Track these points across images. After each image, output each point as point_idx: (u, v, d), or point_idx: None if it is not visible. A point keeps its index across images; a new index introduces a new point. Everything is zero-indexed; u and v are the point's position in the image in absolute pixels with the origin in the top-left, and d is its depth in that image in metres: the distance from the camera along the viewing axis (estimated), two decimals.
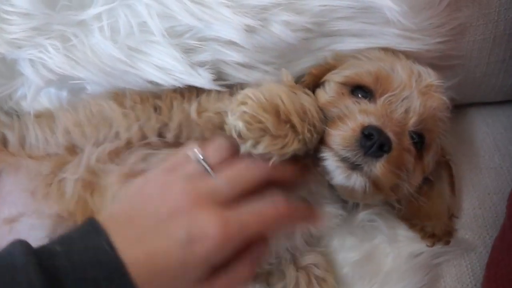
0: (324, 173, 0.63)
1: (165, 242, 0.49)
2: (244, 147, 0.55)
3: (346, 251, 0.71)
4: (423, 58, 0.73)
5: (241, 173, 0.55)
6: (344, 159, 0.59)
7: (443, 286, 0.72)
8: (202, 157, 0.55)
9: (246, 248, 0.54)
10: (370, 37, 0.70)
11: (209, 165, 0.54)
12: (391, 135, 0.59)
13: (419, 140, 0.65)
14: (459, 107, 0.88)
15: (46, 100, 0.71)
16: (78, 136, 0.66)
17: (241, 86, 0.69)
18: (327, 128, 0.61)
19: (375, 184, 0.61)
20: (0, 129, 0.69)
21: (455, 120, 0.85)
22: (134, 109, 0.66)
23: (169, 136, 0.66)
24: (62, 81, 0.68)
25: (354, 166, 0.59)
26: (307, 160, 0.65)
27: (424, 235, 0.73)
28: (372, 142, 0.57)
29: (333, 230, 0.71)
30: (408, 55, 0.71)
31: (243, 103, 0.56)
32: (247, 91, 0.58)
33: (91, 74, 0.66)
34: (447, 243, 0.73)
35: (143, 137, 0.66)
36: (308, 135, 0.58)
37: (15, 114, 0.71)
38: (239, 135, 0.55)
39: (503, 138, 0.85)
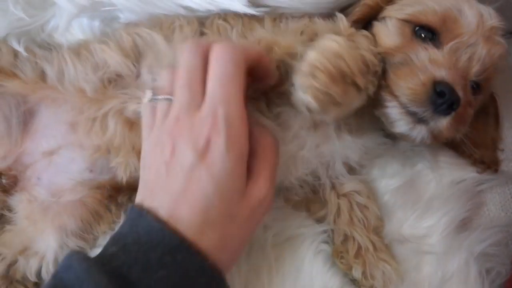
0: (383, 116, 0.61)
1: (186, 179, 0.48)
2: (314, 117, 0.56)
3: (388, 178, 0.70)
4: None
5: (187, 70, 0.52)
6: (411, 113, 0.58)
7: (487, 213, 0.71)
8: (152, 94, 0.54)
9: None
10: None
11: (163, 94, 0.53)
12: (461, 93, 0.57)
13: (477, 87, 0.64)
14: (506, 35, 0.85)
15: (78, 31, 0.69)
16: (119, 68, 0.64)
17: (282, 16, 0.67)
18: (392, 75, 0.59)
19: (435, 136, 0.60)
20: (38, 63, 0.67)
21: None
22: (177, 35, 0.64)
23: None
24: (94, 8, 0.66)
25: (420, 120, 0.58)
26: None
27: (474, 162, 0.72)
28: (444, 100, 0.56)
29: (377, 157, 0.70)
30: None
31: (312, 75, 0.53)
32: (312, 58, 0.53)
33: None
34: (496, 171, 0.72)
35: None
36: (370, 86, 0.56)
37: (49, 47, 0.70)
38: (309, 110, 0.53)
39: None
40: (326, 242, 0.68)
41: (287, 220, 0.67)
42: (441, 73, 0.57)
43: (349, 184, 0.68)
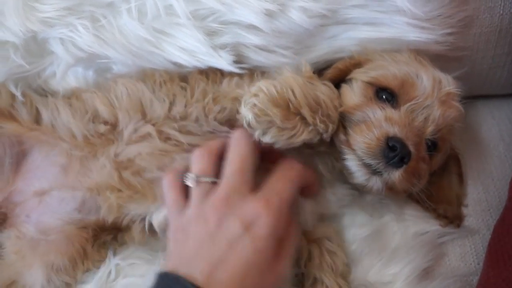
0: (344, 169, 0.67)
1: (229, 248, 0.54)
2: (255, 135, 0.61)
3: (356, 227, 0.75)
4: (432, 49, 0.76)
5: (241, 159, 0.60)
6: (366, 165, 0.63)
7: (448, 264, 0.75)
8: (197, 177, 0.60)
9: None
10: (382, 25, 0.74)
11: (206, 176, 0.60)
12: (412, 148, 0.63)
13: (432, 146, 0.69)
14: (467, 99, 0.91)
15: (73, 79, 0.74)
16: (109, 117, 0.70)
17: (261, 72, 0.73)
18: (351, 131, 0.65)
19: (390, 188, 0.65)
20: (33, 106, 0.73)
21: None
22: (162, 88, 0.70)
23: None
24: (90, 59, 0.72)
25: (374, 172, 0.63)
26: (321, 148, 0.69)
27: (437, 216, 0.76)
28: (395, 154, 0.61)
29: (345, 207, 0.75)
30: (419, 48, 0.75)
31: (255, 95, 0.60)
32: (262, 84, 0.61)
33: (118, 53, 0.70)
34: (458, 226, 0.77)
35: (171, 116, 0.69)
36: (322, 125, 0.62)
37: (44, 93, 0.75)
38: (249, 125, 0.60)
39: (508, 129, 0.88)
40: (297, 286, 0.72)
41: None
42: (394, 130, 0.63)
43: (320, 229, 0.72)
